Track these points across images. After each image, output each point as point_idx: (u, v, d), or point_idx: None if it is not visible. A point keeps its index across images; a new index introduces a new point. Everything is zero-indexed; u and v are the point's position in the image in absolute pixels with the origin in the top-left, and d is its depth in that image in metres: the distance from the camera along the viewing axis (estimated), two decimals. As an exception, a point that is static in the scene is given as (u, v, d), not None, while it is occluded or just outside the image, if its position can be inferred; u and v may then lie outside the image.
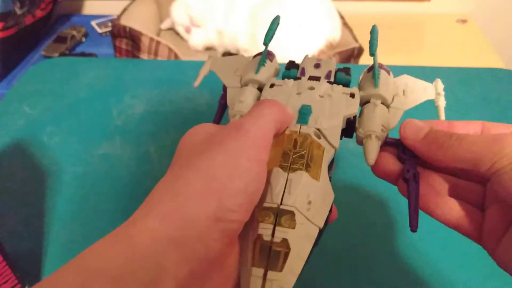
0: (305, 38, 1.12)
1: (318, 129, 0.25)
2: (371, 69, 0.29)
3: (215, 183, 0.19)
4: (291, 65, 0.31)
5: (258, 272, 0.20)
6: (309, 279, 0.40)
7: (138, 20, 1.20)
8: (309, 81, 0.28)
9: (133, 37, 1.13)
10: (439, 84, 0.31)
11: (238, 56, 0.33)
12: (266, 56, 0.30)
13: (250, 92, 0.29)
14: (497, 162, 0.21)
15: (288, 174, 0.22)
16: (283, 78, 0.30)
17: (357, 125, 0.27)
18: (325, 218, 0.23)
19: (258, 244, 0.20)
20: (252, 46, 1.18)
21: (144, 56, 1.14)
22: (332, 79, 0.29)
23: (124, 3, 1.27)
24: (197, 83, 0.34)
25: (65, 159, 0.53)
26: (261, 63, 0.30)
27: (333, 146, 0.25)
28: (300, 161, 0.23)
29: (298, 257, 0.20)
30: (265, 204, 0.22)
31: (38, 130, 0.58)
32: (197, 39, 1.25)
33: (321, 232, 0.22)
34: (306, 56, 0.32)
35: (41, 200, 0.48)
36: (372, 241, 0.44)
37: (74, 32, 1.40)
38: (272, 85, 0.29)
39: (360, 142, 0.27)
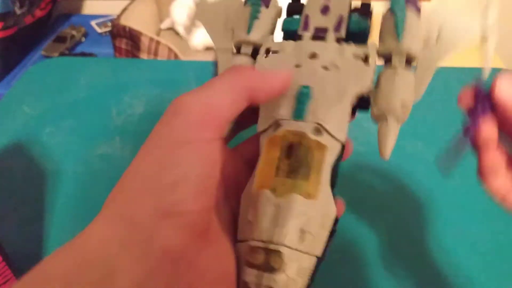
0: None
1: (319, 124, 0.20)
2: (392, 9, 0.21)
3: (150, 178, 0.18)
4: (294, 7, 0.24)
5: None
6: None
7: (138, 20, 1.20)
8: (311, 42, 0.22)
9: (133, 37, 1.13)
10: (492, 11, 0.22)
11: (227, 1, 0.24)
12: (260, 3, 0.23)
13: (244, 63, 0.23)
14: None
15: (277, 199, 0.18)
16: (283, 31, 0.24)
17: (372, 99, 0.21)
18: (324, 244, 0.19)
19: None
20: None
21: (144, 56, 1.14)
22: (343, 31, 0.22)
23: (124, 3, 1.27)
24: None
25: (65, 159, 0.53)
26: (253, 16, 0.23)
27: (339, 141, 0.20)
28: (293, 174, 0.19)
29: None
30: (252, 243, 0.18)
31: (37, 130, 0.58)
32: (198, 39, 1.25)
33: (320, 259, 0.19)
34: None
35: (41, 200, 0.48)
36: (371, 240, 0.44)
37: (74, 32, 1.40)
38: (268, 51, 0.23)
39: (374, 119, 0.21)
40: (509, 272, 0.41)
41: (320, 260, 0.19)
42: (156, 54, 1.13)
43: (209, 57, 1.27)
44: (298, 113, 0.20)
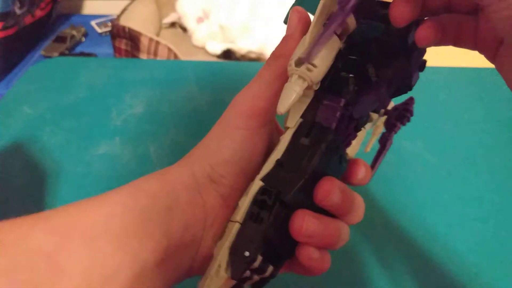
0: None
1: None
2: None
3: (209, 151, 0.24)
4: None
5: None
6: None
7: (138, 20, 1.20)
8: None
9: (133, 37, 1.13)
10: None
11: None
12: None
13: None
14: None
15: None
16: None
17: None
18: (243, 212, 0.23)
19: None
20: (251, 41, 1.20)
21: (143, 56, 1.14)
22: None
23: (124, 3, 1.27)
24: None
25: (65, 159, 0.53)
26: None
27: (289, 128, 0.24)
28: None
29: (214, 260, 0.23)
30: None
31: (37, 130, 0.58)
32: (201, 33, 1.26)
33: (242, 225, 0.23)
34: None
35: (41, 200, 0.48)
36: (370, 239, 0.44)
37: (74, 32, 1.40)
38: None
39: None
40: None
41: (242, 224, 0.22)
42: (155, 54, 1.14)
43: (209, 57, 1.27)
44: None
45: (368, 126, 0.26)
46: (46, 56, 1.33)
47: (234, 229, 0.22)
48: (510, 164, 0.52)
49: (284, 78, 0.22)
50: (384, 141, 0.28)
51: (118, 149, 0.55)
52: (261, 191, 0.22)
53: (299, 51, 0.21)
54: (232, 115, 0.24)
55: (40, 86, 0.66)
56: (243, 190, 0.24)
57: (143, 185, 0.23)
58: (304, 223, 0.21)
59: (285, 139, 0.23)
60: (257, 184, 0.22)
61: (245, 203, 0.22)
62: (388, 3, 0.22)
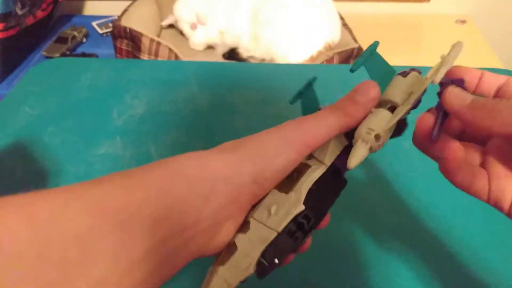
0: (304, 39, 1.12)
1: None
2: (402, 73, 0.29)
3: (266, 155, 0.25)
4: None
5: (211, 268, 0.26)
6: (310, 278, 0.41)
7: (139, 21, 1.20)
8: None
9: (134, 38, 1.14)
10: (458, 46, 0.28)
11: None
12: None
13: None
14: None
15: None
16: None
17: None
18: (284, 225, 0.25)
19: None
20: (254, 45, 1.19)
21: (144, 56, 1.15)
22: None
23: (125, 4, 1.27)
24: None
25: (66, 159, 0.53)
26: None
27: (323, 163, 0.28)
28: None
29: (245, 255, 0.25)
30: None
31: (39, 130, 0.58)
32: (199, 38, 1.25)
33: (280, 235, 0.25)
34: None
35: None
36: (370, 238, 0.44)
37: (75, 33, 1.41)
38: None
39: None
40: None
41: (279, 235, 0.25)
42: (156, 55, 1.14)
43: (209, 57, 1.27)
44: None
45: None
46: (47, 56, 1.33)
47: (271, 236, 0.25)
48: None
49: (342, 131, 0.27)
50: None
51: (119, 149, 0.55)
52: (303, 215, 0.26)
53: (372, 123, 0.26)
54: (296, 138, 0.25)
55: (41, 86, 0.66)
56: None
57: (181, 168, 0.23)
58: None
59: (318, 171, 0.27)
60: (299, 207, 0.26)
61: (287, 218, 0.25)
62: None
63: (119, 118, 0.60)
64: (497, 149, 0.25)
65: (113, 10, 1.52)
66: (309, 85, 0.30)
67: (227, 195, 0.24)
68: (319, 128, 0.26)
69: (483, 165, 0.26)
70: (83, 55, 1.34)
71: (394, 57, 1.37)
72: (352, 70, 0.28)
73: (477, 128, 0.24)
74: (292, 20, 1.12)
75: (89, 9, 1.64)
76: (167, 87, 0.65)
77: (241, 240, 0.25)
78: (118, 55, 1.21)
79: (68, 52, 1.36)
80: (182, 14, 1.23)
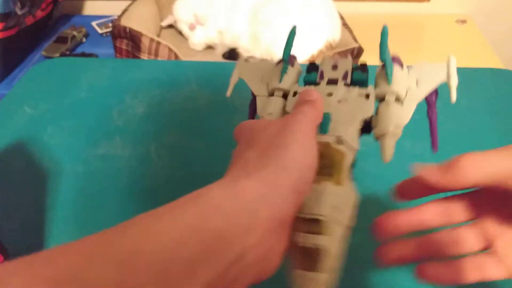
0: (305, 39, 1.12)
1: (339, 136, 0.27)
2: (397, 61, 0.31)
3: (295, 160, 0.23)
4: (312, 67, 0.33)
5: (300, 273, 0.24)
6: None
7: (139, 21, 1.20)
8: (327, 86, 0.31)
9: (134, 38, 1.14)
10: (452, 63, 0.30)
11: (263, 60, 0.35)
12: (287, 64, 0.32)
13: (276, 103, 0.31)
14: None
15: (313, 185, 0.25)
16: (304, 82, 0.33)
17: (373, 124, 0.29)
18: (349, 217, 0.25)
19: (296, 250, 0.24)
20: (253, 46, 1.19)
21: (144, 56, 1.15)
22: (349, 80, 0.31)
23: (125, 4, 1.27)
24: (229, 92, 0.34)
25: (66, 159, 0.53)
26: (284, 71, 0.32)
27: (353, 149, 0.27)
28: (324, 171, 0.26)
29: (331, 257, 0.23)
30: (298, 215, 0.24)
31: (38, 130, 0.58)
32: (198, 38, 1.25)
33: (349, 228, 0.25)
34: (325, 57, 0.33)
35: (42, 200, 0.48)
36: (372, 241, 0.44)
37: (75, 33, 1.40)
38: (295, 93, 0.31)
39: (377, 139, 0.29)
40: None
41: (348, 229, 0.25)
42: (156, 54, 1.14)
43: (209, 57, 1.27)
44: (324, 129, 0.28)
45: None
46: (47, 56, 1.33)
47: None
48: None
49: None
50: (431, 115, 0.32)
51: (118, 149, 0.55)
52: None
53: (394, 118, 0.28)
54: (306, 130, 0.26)
55: (41, 86, 0.66)
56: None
57: (215, 202, 0.21)
58: None
59: (350, 156, 0.28)
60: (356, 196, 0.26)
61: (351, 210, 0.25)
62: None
63: (119, 118, 0.60)
64: (494, 223, 0.25)
65: (113, 10, 1.52)
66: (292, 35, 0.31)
67: (270, 217, 0.22)
68: (309, 122, 0.26)
69: (487, 247, 0.25)
70: (83, 55, 1.34)
71: (394, 57, 1.37)
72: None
73: (460, 186, 0.24)
74: (292, 20, 1.12)
75: (89, 9, 1.64)
76: (167, 87, 0.65)
77: (322, 241, 0.23)
78: (118, 55, 1.21)
79: (68, 52, 1.35)
80: (181, 14, 1.23)
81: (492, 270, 0.24)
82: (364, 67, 0.31)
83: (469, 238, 0.25)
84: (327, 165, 0.26)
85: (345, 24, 1.24)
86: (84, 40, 1.44)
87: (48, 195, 0.49)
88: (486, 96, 0.63)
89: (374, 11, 1.55)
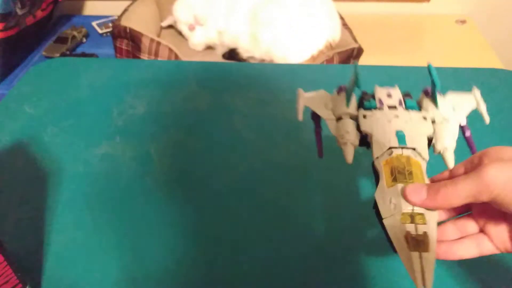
0: (305, 39, 1.12)
1: (414, 149, 0.33)
2: (427, 92, 0.37)
3: None
4: (366, 95, 0.39)
5: (415, 255, 0.28)
6: (306, 281, 0.41)
7: (139, 21, 1.20)
8: (391, 110, 0.37)
9: (134, 38, 1.14)
10: (477, 92, 0.39)
11: (322, 92, 0.41)
12: (352, 93, 0.37)
13: (349, 124, 0.37)
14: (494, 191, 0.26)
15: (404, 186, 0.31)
16: (364, 107, 0.37)
17: (434, 140, 0.35)
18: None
19: (409, 238, 0.29)
20: (253, 46, 1.19)
21: (144, 56, 1.15)
22: (404, 106, 0.37)
23: (125, 4, 1.27)
24: (300, 116, 0.39)
25: (66, 159, 0.53)
26: (348, 99, 0.37)
27: (425, 159, 0.33)
28: (407, 178, 0.31)
29: (433, 240, 0.28)
30: (403, 210, 0.29)
31: (39, 130, 0.58)
32: (198, 38, 1.25)
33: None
34: (377, 87, 0.39)
35: (42, 200, 0.48)
36: (371, 241, 0.44)
37: (75, 33, 1.40)
38: (364, 116, 0.36)
39: (437, 152, 0.35)
40: None
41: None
42: (156, 55, 1.14)
43: (209, 58, 1.27)
44: (402, 141, 0.34)
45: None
46: (47, 56, 1.33)
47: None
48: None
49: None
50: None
51: (119, 149, 0.55)
52: None
53: (448, 136, 0.35)
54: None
55: (41, 86, 0.66)
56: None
57: None
58: None
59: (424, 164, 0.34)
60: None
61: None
62: None
63: (119, 118, 0.60)
64: (480, 212, 0.31)
65: (113, 10, 1.52)
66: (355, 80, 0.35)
67: None
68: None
69: (481, 230, 0.31)
70: (83, 55, 1.34)
71: (394, 57, 1.37)
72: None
73: (441, 208, 0.29)
74: (292, 21, 1.12)
75: (89, 9, 1.64)
76: (167, 87, 0.65)
77: (427, 228, 0.29)
78: (118, 55, 1.21)
79: (68, 52, 1.35)
80: (180, 15, 1.24)
81: (486, 247, 0.30)
82: (409, 95, 0.38)
83: (469, 225, 0.31)
84: (409, 172, 0.31)
85: (345, 24, 1.24)
86: (84, 40, 1.44)
87: (48, 194, 0.49)
88: (486, 96, 0.63)
89: (374, 11, 1.55)
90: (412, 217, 0.29)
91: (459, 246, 0.30)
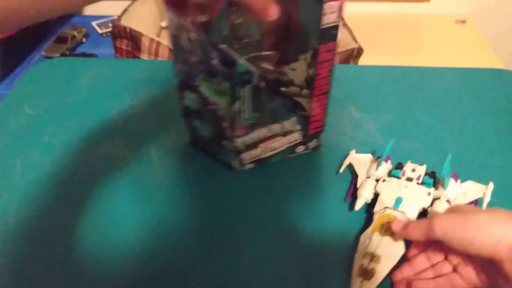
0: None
1: (403, 212, 0.43)
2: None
3: None
4: (399, 166, 0.48)
5: (359, 279, 0.38)
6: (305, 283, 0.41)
7: (139, 21, 1.20)
8: (405, 181, 0.46)
9: (134, 38, 1.14)
10: (490, 188, 0.45)
11: (366, 155, 0.52)
12: (383, 161, 0.48)
13: (371, 184, 0.47)
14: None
15: (382, 237, 0.41)
16: (390, 174, 0.48)
17: (428, 213, 0.44)
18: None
19: (362, 267, 0.39)
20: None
21: (144, 56, 1.15)
22: (420, 181, 0.46)
23: (125, 4, 1.27)
24: (340, 170, 0.51)
25: (66, 159, 0.53)
26: (379, 164, 0.48)
27: (408, 219, 0.43)
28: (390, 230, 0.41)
29: (378, 276, 0.38)
30: (369, 250, 0.40)
31: (39, 130, 0.58)
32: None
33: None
34: (408, 162, 0.48)
35: (42, 200, 0.49)
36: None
37: (75, 33, 1.41)
38: (383, 180, 0.47)
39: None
40: None
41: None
42: (156, 54, 1.14)
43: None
44: (396, 205, 0.44)
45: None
46: (47, 56, 1.33)
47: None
48: (510, 165, 0.52)
49: None
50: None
51: (119, 149, 0.55)
52: None
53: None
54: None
55: (41, 86, 0.66)
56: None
57: None
58: None
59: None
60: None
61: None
62: None
63: (119, 118, 0.60)
64: (453, 255, 0.36)
65: (113, 10, 1.52)
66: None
67: None
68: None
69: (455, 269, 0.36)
70: (83, 55, 1.34)
71: (394, 57, 1.37)
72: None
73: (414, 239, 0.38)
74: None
75: (89, 9, 1.64)
76: (167, 87, 0.65)
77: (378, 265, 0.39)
78: (118, 55, 1.21)
79: (68, 52, 1.35)
80: None
81: (458, 283, 0.35)
82: (432, 174, 0.47)
83: (444, 267, 0.37)
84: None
85: (345, 24, 1.24)
86: (84, 40, 1.44)
87: (48, 195, 0.49)
88: (486, 96, 0.64)
89: (374, 11, 1.55)
90: (372, 256, 0.40)
91: (436, 283, 0.36)
